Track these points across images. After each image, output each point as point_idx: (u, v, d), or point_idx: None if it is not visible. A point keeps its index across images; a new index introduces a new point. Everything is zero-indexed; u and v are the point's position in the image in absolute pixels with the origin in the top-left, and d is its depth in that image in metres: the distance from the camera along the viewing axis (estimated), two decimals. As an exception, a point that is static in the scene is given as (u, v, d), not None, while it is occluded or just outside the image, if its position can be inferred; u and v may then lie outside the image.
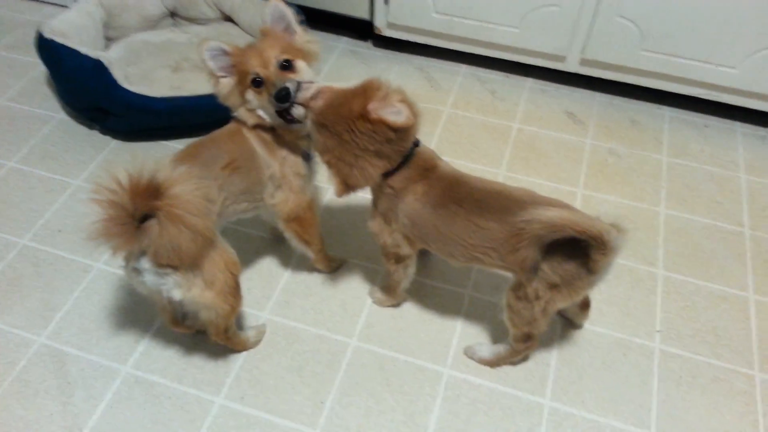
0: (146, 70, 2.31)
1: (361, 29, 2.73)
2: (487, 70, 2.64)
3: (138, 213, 1.24)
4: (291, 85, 1.45)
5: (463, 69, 2.65)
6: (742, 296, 1.86)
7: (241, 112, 1.54)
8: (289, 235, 1.71)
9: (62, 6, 2.79)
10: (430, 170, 1.48)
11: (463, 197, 1.45)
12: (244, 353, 1.68)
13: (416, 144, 1.47)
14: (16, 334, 1.70)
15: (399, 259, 1.63)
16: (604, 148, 2.33)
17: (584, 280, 1.40)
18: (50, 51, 2.17)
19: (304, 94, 1.41)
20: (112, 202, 1.21)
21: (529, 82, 2.61)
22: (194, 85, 2.25)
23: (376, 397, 1.61)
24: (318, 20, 2.68)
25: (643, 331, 1.77)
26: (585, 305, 1.71)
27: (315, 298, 1.83)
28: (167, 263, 1.31)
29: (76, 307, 1.77)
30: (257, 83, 1.47)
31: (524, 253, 1.35)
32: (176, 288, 1.36)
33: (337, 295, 1.84)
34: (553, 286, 1.41)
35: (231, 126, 1.59)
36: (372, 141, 1.33)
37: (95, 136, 2.28)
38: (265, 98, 1.48)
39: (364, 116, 1.31)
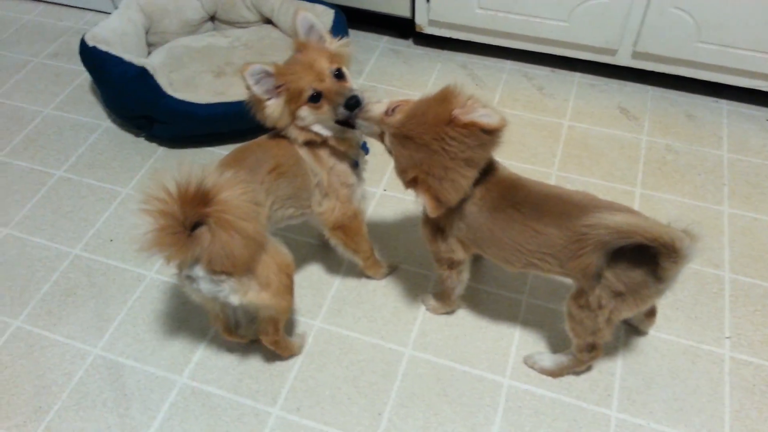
0: (189, 76, 2.30)
1: (401, 27, 2.68)
2: (533, 66, 2.57)
3: (189, 221, 1.23)
4: (358, 93, 1.42)
5: (508, 65, 2.58)
6: (817, 299, 1.77)
7: (290, 131, 1.50)
8: (334, 242, 1.69)
9: (104, 12, 2.81)
10: (488, 173, 1.42)
11: (521, 201, 1.40)
12: (299, 363, 1.66)
13: None
14: (71, 345, 1.71)
15: (452, 265, 1.57)
16: (661, 144, 2.24)
17: (651, 288, 1.33)
18: (94, 59, 2.17)
19: (377, 109, 1.37)
20: (163, 211, 1.20)
21: (577, 77, 2.52)
22: (238, 89, 2.21)
23: (434, 409, 1.57)
24: (357, 19, 2.64)
25: (711, 338, 1.69)
26: (651, 312, 1.64)
27: (367, 305, 1.79)
28: (221, 270, 1.29)
29: (130, 317, 1.77)
30: (315, 98, 1.44)
31: (587, 259, 1.29)
32: (233, 293, 1.35)
33: (389, 302, 1.80)
34: (617, 295, 1.35)
35: (276, 137, 1.55)
36: (464, 147, 1.26)
37: (142, 144, 2.28)
38: (325, 112, 1.45)
39: (454, 121, 1.25)
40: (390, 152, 1.39)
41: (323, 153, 1.55)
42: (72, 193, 2.10)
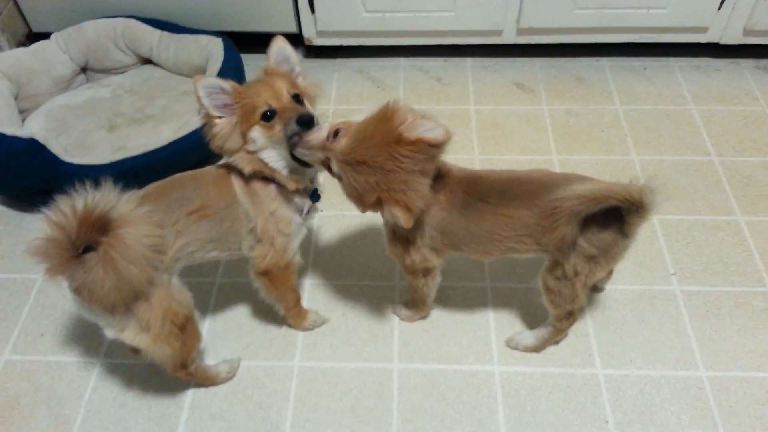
0: (80, 137, 2.10)
1: (290, 43, 2.61)
2: (427, 59, 2.62)
3: (80, 242, 1.20)
4: (314, 114, 1.36)
5: (402, 62, 2.62)
6: (733, 220, 1.97)
7: (237, 158, 1.40)
8: (257, 286, 1.60)
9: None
10: (445, 176, 1.44)
11: (486, 193, 1.43)
12: (291, 409, 1.59)
13: None
14: (34, 463, 1.51)
15: (427, 272, 1.58)
16: (561, 110, 2.38)
17: (620, 245, 1.42)
18: (-34, 140, 1.91)
19: (319, 137, 1.32)
20: (59, 224, 1.18)
21: (469, 62, 2.61)
22: (137, 140, 2.07)
23: (439, 415, 1.57)
24: (244, 43, 2.54)
25: (659, 277, 1.84)
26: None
27: (341, 331, 1.75)
28: (87, 302, 1.27)
29: (92, 411, 1.59)
30: (268, 117, 1.35)
31: (562, 230, 1.34)
32: (106, 328, 1.34)
33: (361, 323, 1.77)
34: (590, 259, 1.42)
35: (219, 169, 1.47)
36: (416, 162, 1.26)
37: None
38: (277, 132, 1.36)
39: (402, 140, 1.24)
40: (339, 178, 1.35)
41: (265, 195, 1.46)
42: (-22, 295, 1.85)
